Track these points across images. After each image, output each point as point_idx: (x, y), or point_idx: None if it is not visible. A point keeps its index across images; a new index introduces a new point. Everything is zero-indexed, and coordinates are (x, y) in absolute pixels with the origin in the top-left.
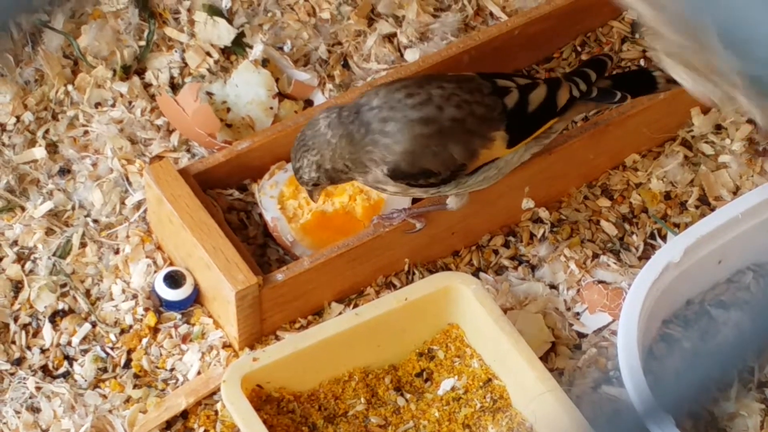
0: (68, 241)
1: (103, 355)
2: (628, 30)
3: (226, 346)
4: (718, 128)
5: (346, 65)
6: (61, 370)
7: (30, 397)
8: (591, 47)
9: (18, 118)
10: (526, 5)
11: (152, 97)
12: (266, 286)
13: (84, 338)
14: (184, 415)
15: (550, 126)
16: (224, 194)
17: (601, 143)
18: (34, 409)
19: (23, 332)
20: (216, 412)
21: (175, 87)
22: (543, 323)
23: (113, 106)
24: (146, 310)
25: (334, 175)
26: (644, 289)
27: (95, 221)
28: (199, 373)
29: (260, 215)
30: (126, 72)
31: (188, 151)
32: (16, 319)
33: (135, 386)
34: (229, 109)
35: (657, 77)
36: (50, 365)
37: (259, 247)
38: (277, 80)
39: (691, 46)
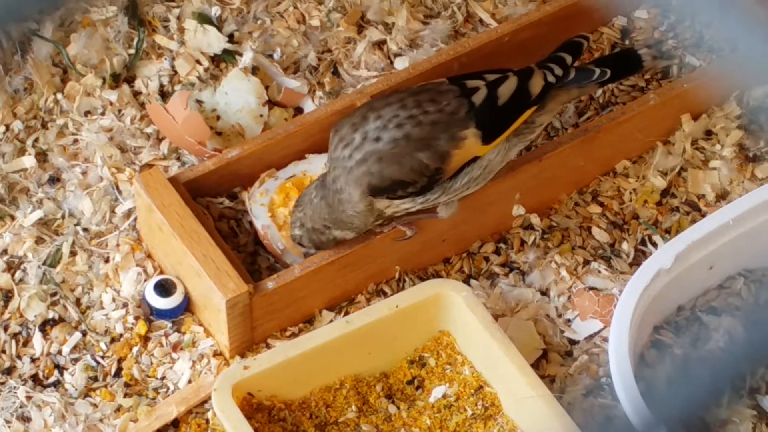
0: (58, 249)
1: (94, 363)
2: (617, 36)
3: (217, 354)
4: (709, 134)
5: (336, 72)
6: (52, 379)
7: (20, 407)
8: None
9: (7, 126)
10: (515, 12)
11: (142, 105)
12: (257, 294)
13: (74, 347)
14: (175, 423)
15: (531, 119)
16: (214, 202)
17: (592, 150)
18: (25, 419)
19: (13, 341)
20: (207, 421)
21: (164, 95)
22: (534, 330)
23: (103, 114)
24: (137, 318)
25: (314, 236)
26: (635, 295)
27: (85, 230)
28: (189, 381)
29: (250, 223)
30: (115, 80)
31: (178, 159)
32: (6, 328)
33: (126, 395)
34: (218, 117)
35: (643, 55)
36: (41, 374)
37: (249, 255)
38: (266, 88)
39: None
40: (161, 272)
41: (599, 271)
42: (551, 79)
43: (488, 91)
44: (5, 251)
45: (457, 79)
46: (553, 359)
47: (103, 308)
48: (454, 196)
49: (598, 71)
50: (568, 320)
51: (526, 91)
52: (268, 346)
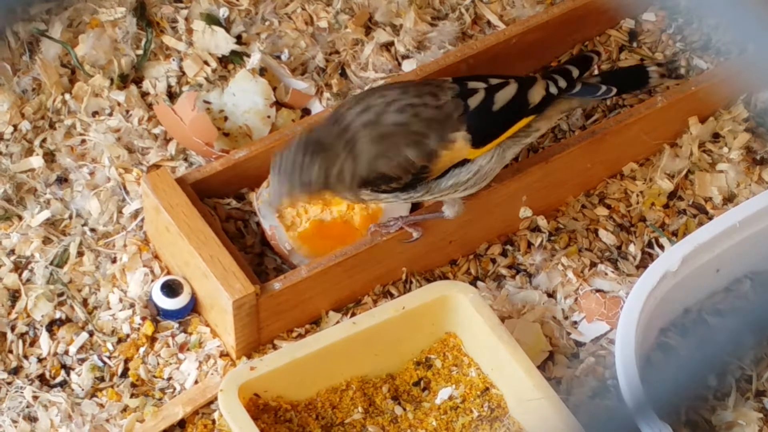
0: (65, 250)
1: (101, 364)
2: (625, 39)
3: (224, 355)
4: (716, 136)
5: (343, 74)
6: (59, 379)
7: (27, 407)
8: None
9: (15, 126)
10: (523, 14)
11: (150, 106)
12: (264, 294)
13: (81, 347)
14: (182, 424)
15: (528, 125)
16: (222, 203)
17: (599, 152)
18: (31, 419)
19: (20, 341)
20: (213, 422)
21: (172, 96)
22: (540, 332)
23: (110, 115)
24: (143, 319)
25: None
26: (642, 297)
27: (92, 230)
28: (196, 382)
29: (258, 224)
30: (123, 81)
31: (185, 159)
32: (13, 328)
33: (132, 395)
34: (226, 118)
35: (651, 72)
36: (47, 374)
37: (256, 255)
38: (274, 89)
39: None
40: (168, 273)
41: (606, 274)
42: (553, 90)
43: (485, 95)
44: (13, 251)
45: (460, 79)
46: (559, 361)
47: (110, 308)
48: (440, 197)
49: (603, 88)
50: (575, 322)
51: (525, 99)
52: (275, 347)
